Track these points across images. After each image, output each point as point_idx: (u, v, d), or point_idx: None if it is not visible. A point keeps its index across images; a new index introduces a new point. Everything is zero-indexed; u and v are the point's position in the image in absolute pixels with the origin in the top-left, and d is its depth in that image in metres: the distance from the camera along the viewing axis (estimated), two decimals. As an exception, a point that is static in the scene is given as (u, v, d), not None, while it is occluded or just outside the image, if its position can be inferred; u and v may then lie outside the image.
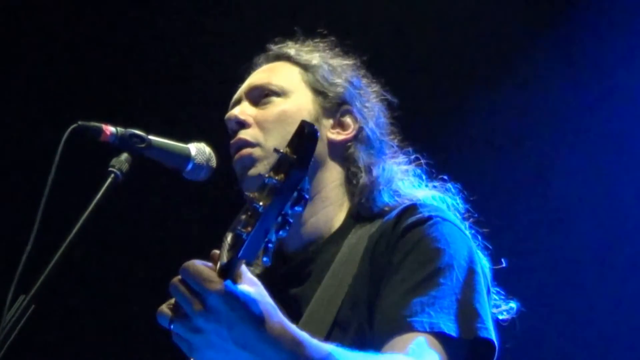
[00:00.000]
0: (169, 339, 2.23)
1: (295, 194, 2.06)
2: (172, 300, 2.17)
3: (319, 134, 2.09)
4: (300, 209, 2.08)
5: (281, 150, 2.09)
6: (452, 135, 5.16)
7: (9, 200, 5.23)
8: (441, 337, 2.53)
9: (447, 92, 5.25)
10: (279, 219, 2.08)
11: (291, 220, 2.09)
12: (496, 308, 2.86)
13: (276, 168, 2.09)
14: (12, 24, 5.50)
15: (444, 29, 5.28)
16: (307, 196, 2.09)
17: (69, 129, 2.72)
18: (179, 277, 2.11)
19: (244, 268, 2.15)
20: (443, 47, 5.27)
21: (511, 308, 2.93)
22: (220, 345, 2.09)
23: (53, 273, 2.55)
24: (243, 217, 2.13)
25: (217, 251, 2.15)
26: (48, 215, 2.62)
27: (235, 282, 2.10)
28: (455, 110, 5.21)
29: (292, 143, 2.10)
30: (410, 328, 2.52)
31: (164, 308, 2.16)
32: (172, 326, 2.14)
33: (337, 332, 2.70)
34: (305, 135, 2.08)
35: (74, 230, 2.61)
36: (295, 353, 2.13)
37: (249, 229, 2.08)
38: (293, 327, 2.16)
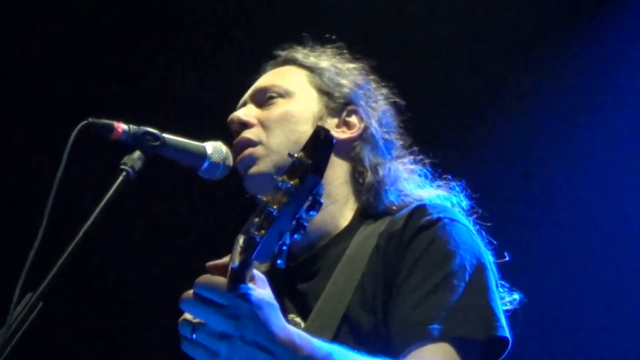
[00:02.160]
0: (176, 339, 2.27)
1: (310, 198, 2.08)
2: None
3: (335, 140, 2.09)
4: (315, 213, 2.10)
5: (295, 155, 2.09)
6: (458, 134, 5.19)
7: (17, 198, 5.21)
8: (460, 342, 2.59)
9: (453, 95, 5.27)
10: (294, 222, 2.10)
11: (306, 224, 2.11)
12: (501, 299, 2.90)
13: (290, 172, 2.09)
14: (26, 18, 5.48)
15: (452, 29, 5.31)
16: (321, 201, 2.10)
17: (79, 126, 2.68)
18: (191, 292, 2.17)
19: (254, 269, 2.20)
20: (455, 48, 5.29)
21: (514, 299, 2.99)
22: (245, 349, 2.15)
23: (61, 271, 2.53)
24: (256, 220, 2.15)
25: (213, 262, 2.21)
26: (56, 213, 2.59)
27: (248, 284, 2.16)
28: (462, 112, 5.25)
29: (306, 148, 2.10)
30: (428, 336, 2.58)
31: (188, 317, 2.21)
32: (194, 336, 2.19)
33: (346, 327, 2.74)
34: (321, 140, 2.08)
35: (84, 229, 2.59)
36: (299, 351, 2.21)
37: (263, 232, 2.10)
38: (295, 329, 2.26)
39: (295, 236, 2.11)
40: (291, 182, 2.07)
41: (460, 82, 5.23)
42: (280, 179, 2.09)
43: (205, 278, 2.16)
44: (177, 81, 5.51)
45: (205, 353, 2.18)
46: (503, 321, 2.67)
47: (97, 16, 5.49)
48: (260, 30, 5.23)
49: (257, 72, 3.27)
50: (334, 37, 3.28)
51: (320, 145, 2.08)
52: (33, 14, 5.46)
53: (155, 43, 5.55)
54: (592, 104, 5.06)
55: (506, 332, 2.66)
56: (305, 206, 2.08)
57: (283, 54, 3.25)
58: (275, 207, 2.08)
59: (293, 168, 2.09)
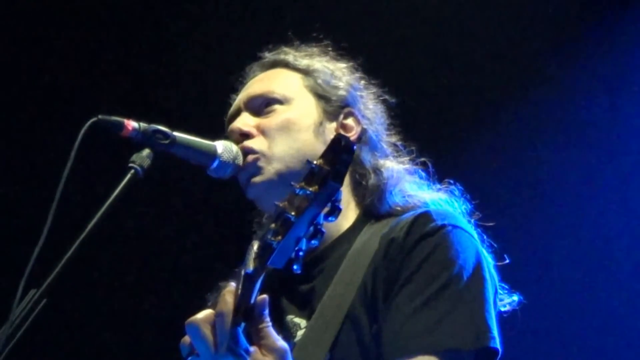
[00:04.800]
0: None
1: (329, 204, 2.10)
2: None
3: (355, 146, 2.10)
4: (334, 218, 2.13)
5: (314, 162, 2.11)
6: (457, 136, 5.18)
7: (24, 194, 5.19)
8: (450, 353, 2.59)
9: (450, 94, 5.27)
10: (311, 228, 2.12)
11: (323, 230, 2.13)
12: (500, 301, 2.90)
13: (308, 179, 2.11)
14: (34, 17, 5.45)
15: (449, 29, 5.31)
16: (340, 207, 2.12)
17: (88, 123, 2.66)
18: (198, 318, 2.24)
19: (269, 331, 2.26)
20: (450, 46, 5.30)
21: (513, 301, 2.98)
22: None
23: (66, 268, 2.52)
24: (272, 225, 2.16)
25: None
26: (63, 210, 2.57)
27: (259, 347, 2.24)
28: (462, 113, 5.24)
29: (326, 155, 2.11)
30: (417, 349, 2.59)
31: (188, 340, 2.29)
32: (188, 359, 2.29)
33: (349, 326, 2.73)
34: (342, 148, 2.09)
35: (90, 225, 2.57)
36: None
37: (279, 237, 2.12)
38: None
39: (312, 242, 2.14)
40: (310, 189, 2.08)
41: (463, 82, 5.23)
42: (298, 185, 2.11)
43: (226, 309, 2.21)
44: (187, 79, 5.50)
45: None
46: (495, 332, 2.66)
47: (110, 12, 5.47)
48: (266, 29, 5.20)
49: (241, 75, 3.20)
50: (320, 35, 3.24)
51: (341, 152, 2.09)
52: (43, 10, 5.43)
53: (167, 40, 5.53)
54: (592, 107, 5.06)
55: (497, 344, 2.65)
56: (323, 212, 2.10)
57: (270, 55, 3.19)
58: (293, 213, 2.09)
59: (312, 175, 2.11)
